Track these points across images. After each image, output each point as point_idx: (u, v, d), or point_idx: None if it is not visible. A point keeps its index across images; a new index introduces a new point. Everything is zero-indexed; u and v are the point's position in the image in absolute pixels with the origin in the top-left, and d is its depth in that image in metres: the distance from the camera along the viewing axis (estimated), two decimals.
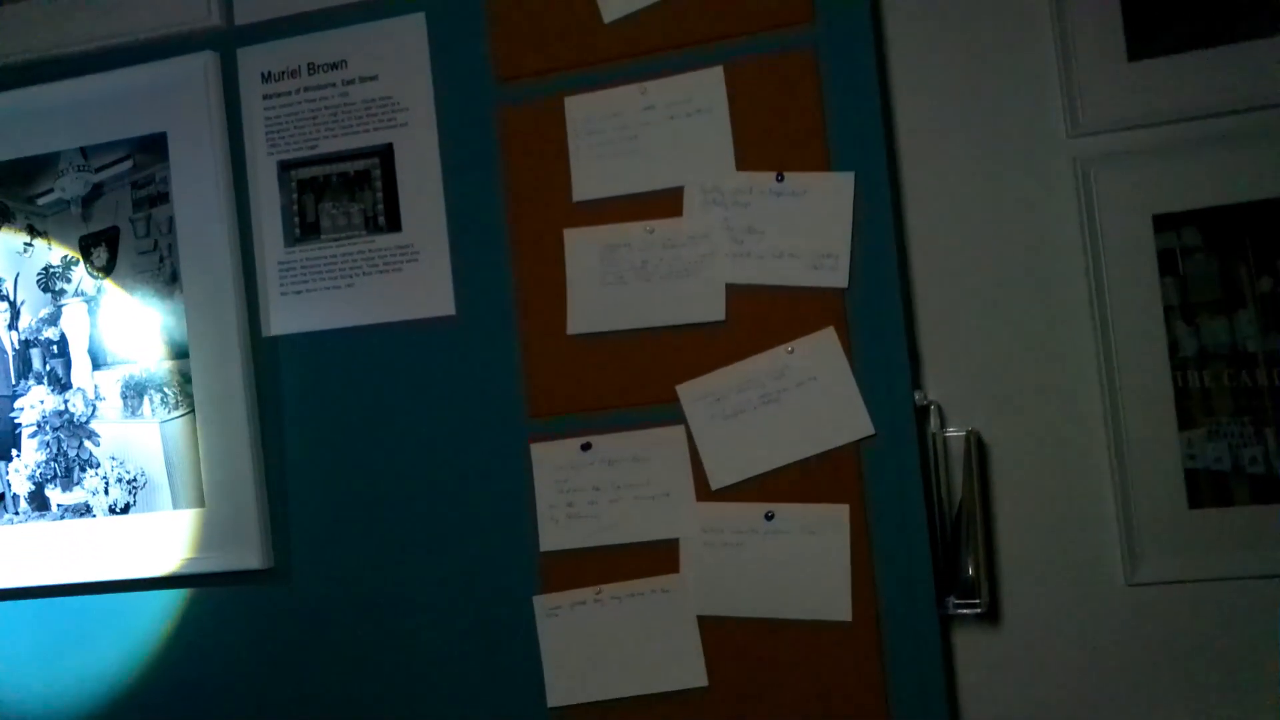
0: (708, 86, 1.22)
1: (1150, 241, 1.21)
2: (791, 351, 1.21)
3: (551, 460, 1.27)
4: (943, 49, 1.26)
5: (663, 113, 1.24)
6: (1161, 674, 1.23)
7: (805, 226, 1.20)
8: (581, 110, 1.26)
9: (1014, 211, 1.25)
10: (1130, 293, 1.21)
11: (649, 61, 1.24)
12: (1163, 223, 1.21)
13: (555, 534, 1.27)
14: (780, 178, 1.21)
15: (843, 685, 1.20)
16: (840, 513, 1.20)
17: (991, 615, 1.26)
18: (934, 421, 1.23)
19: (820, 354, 1.20)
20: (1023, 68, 1.25)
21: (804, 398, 1.20)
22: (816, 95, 1.20)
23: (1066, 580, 1.25)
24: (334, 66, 1.33)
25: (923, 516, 1.18)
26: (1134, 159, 1.21)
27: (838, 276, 1.20)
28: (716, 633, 1.23)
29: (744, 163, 1.22)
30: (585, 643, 1.26)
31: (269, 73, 1.35)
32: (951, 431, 1.24)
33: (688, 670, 1.24)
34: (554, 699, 1.27)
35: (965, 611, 1.21)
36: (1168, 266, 1.21)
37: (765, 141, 1.22)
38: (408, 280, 1.31)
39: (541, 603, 1.27)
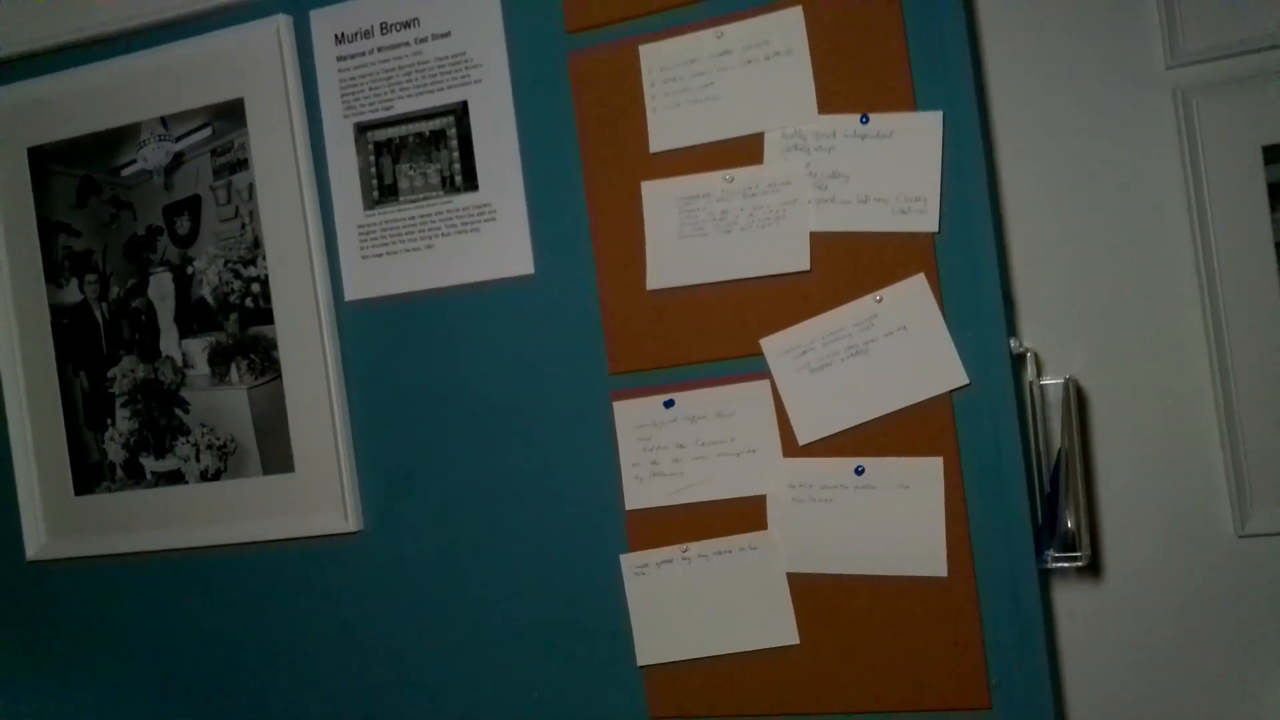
0: (786, 27, 1.19)
1: (1260, 174, 1.18)
2: (880, 300, 1.18)
3: (634, 417, 1.26)
4: None
5: (740, 56, 1.20)
6: (1273, 630, 1.19)
7: (892, 169, 1.16)
8: (656, 58, 1.23)
9: (1111, 147, 1.22)
10: (1238, 229, 1.18)
11: (724, 2, 1.21)
12: (1274, 154, 1.17)
13: (640, 492, 1.26)
14: (864, 119, 1.17)
15: (938, 642, 1.18)
16: (933, 466, 1.17)
17: (1093, 569, 1.24)
18: (1030, 369, 1.20)
19: (910, 302, 1.17)
20: None
21: (894, 348, 1.17)
22: (900, 31, 1.16)
23: (1172, 532, 1.22)
24: (406, 25, 1.32)
25: (1020, 468, 1.15)
26: (1240, 87, 1.17)
27: (927, 220, 1.16)
28: (807, 590, 1.22)
29: (826, 105, 1.18)
30: (673, 601, 1.25)
31: (342, 34, 1.34)
32: (1049, 380, 1.20)
33: (778, 628, 1.22)
34: (643, 657, 1.27)
35: (1065, 565, 1.18)
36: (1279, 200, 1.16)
37: (848, 82, 1.18)
38: (486, 240, 1.31)
39: (628, 561, 1.26)
